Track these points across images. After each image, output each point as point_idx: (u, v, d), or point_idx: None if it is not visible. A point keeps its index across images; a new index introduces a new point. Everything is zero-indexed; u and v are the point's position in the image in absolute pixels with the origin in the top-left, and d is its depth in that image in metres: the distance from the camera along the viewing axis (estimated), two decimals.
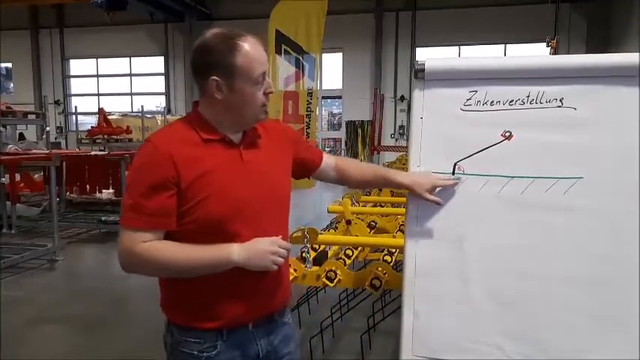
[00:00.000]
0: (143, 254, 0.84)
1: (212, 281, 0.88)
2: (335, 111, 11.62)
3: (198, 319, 0.90)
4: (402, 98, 10.40)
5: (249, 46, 0.87)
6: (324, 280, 1.56)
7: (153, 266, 0.85)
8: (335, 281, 1.56)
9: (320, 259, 1.72)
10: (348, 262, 1.74)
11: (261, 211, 0.91)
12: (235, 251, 0.86)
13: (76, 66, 12.32)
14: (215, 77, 0.86)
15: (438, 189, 1.06)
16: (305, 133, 3.62)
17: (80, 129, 7.80)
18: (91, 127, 6.95)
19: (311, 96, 4.23)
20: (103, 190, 5.40)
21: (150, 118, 7.78)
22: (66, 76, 12.26)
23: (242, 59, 0.86)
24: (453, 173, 1.08)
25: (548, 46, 5.10)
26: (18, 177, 4.89)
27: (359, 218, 2.15)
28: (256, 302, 0.93)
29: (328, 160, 1.10)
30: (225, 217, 0.87)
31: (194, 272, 0.87)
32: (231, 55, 0.86)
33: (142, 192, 0.84)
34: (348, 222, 2.03)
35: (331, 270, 1.57)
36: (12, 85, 12.58)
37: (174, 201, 0.85)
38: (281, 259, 0.89)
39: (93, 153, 5.27)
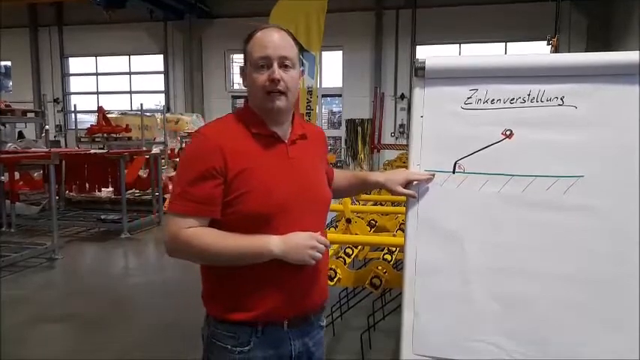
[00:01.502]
0: (186, 239, 0.86)
1: (249, 274, 0.89)
2: (335, 109, 11.60)
3: (234, 311, 0.91)
4: (403, 96, 10.38)
5: (259, 33, 0.91)
6: None
7: (194, 251, 0.87)
8: (335, 280, 1.56)
9: None
10: (348, 260, 1.75)
11: (301, 209, 0.91)
12: (274, 242, 0.86)
13: (75, 64, 12.28)
14: (242, 65, 0.94)
15: (414, 182, 1.07)
16: None
17: (79, 127, 7.78)
18: (91, 125, 6.93)
19: (311, 94, 4.23)
20: (103, 189, 5.40)
21: (149, 116, 7.76)
22: (65, 75, 12.23)
23: (249, 45, 0.92)
24: (454, 172, 1.08)
25: (548, 44, 5.09)
26: (17, 175, 4.88)
27: (359, 217, 2.15)
28: (292, 299, 0.93)
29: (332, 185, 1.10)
30: (265, 213, 0.88)
31: (233, 260, 0.88)
32: (246, 43, 0.92)
33: (190, 180, 0.87)
34: (348, 220, 2.03)
35: (331, 269, 1.57)
36: (11, 83, 12.55)
37: (221, 191, 0.87)
38: (319, 255, 0.89)
39: (92, 151, 5.27)
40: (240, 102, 11.52)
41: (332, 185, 1.08)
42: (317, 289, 0.97)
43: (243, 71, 0.94)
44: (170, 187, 6.32)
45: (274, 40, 0.90)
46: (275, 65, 0.89)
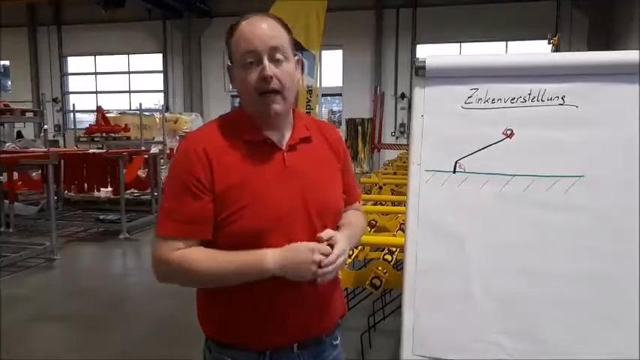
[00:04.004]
0: (176, 263, 0.77)
1: (249, 297, 0.80)
2: (335, 109, 11.60)
3: (236, 337, 0.82)
4: (403, 96, 10.37)
5: (243, 24, 0.79)
6: None
7: (186, 275, 0.78)
8: None
9: None
10: (348, 260, 1.74)
11: (303, 223, 0.80)
12: (269, 258, 0.75)
13: (74, 63, 12.26)
14: (229, 64, 0.81)
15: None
16: None
17: (78, 127, 7.79)
18: (89, 125, 6.92)
19: (311, 93, 4.22)
20: (102, 189, 5.38)
21: (148, 115, 7.75)
22: (64, 74, 12.20)
23: (233, 40, 0.79)
24: (454, 171, 1.08)
25: (549, 43, 5.07)
26: (16, 175, 4.87)
27: None
28: (300, 322, 0.83)
29: (350, 208, 0.94)
30: (262, 229, 0.78)
31: (228, 280, 0.78)
32: (228, 38, 0.80)
33: (177, 194, 0.78)
34: None
35: None
36: (10, 82, 12.52)
37: (211, 208, 0.77)
38: (323, 271, 0.75)
39: (91, 151, 5.25)
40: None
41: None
42: (329, 308, 0.87)
43: (229, 71, 0.81)
44: None
45: (261, 30, 0.77)
46: (265, 60, 0.76)
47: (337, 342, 0.93)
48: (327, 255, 0.76)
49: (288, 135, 0.84)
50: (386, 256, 1.78)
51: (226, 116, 0.86)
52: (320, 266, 0.76)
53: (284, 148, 0.83)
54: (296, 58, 0.82)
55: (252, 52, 0.77)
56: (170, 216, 0.79)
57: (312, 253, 0.75)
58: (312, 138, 0.87)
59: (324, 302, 0.86)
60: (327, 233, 0.80)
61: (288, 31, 0.82)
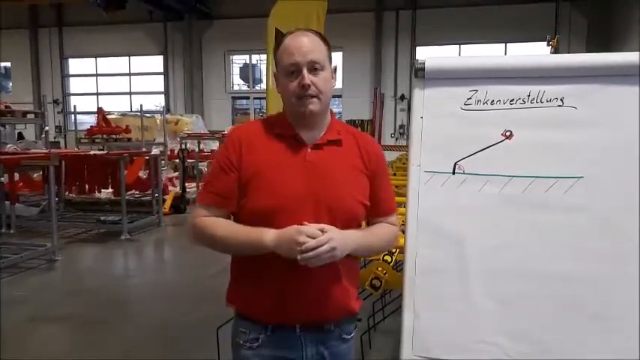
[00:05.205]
0: (199, 226, 0.93)
1: (262, 274, 0.91)
2: (335, 110, 11.53)
3: (246, 308, 0.95)
4: (402, 97, 10.38)
5: (287, 39, 0.93)
6: None
7: (206, 237, 0.92)
8: None
9: None
10: None
11: (309, 214, 0.87)
12: (268, 236, 0.86)
13: (75, 65, 12.28)
14: (274, 71, 0.96)
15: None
16: None
17: (79, 128, 7.79)
18: (90, 126, 6.94)
19: None
20: (102, 190, 5.39)
21: (149, 117, 7.77)
22: (65, 76, 12.22)
23: (279, 52, 0.94)
24: (454, 173, 1.08)
25: (548, 45, 5.08)
26: (17, 176, 4.88)
27: None
28: (305, 305, 0.90)
29: (381, 220, 1.00)
30: (268, 212, 0.88)
31: (235, 249, 0.92)
32: (276, 50, 0.95)
33: (213, 173, 0.96)
34: None
35: None
36: (11, 84, 12.55)
37: (236, 185, 0.92)
38: (308, 254, 0.81)
39: (92, 152, 5.25)
40: (241, 103, 11.52)
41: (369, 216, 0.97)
42: (329, 298, 0.92)
43: (275, 78, 0.97)
44: (170, 188, 6.34)
45: (302, 45, 0.90)
46: (304, 71, 0.89)
47: (349, 337, 0.98)
48: (311, 236, 0.83)
49: (319, 136, 0.95)
50: (385, 257, 1.78)
51: (269, 116, 1.03)
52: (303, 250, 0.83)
53: (310, 145, 0.93)
54: (333, 66, 0.96)
55: (293, 64, 0.91)
56: (206, 188, 0.96)
57: (298, 234, 0.83)
58: (343, 142, 0.96)
59: (323, 291, 0.91)
60: (319, 225, 0.86)
61: (327, 43, 0.96)
